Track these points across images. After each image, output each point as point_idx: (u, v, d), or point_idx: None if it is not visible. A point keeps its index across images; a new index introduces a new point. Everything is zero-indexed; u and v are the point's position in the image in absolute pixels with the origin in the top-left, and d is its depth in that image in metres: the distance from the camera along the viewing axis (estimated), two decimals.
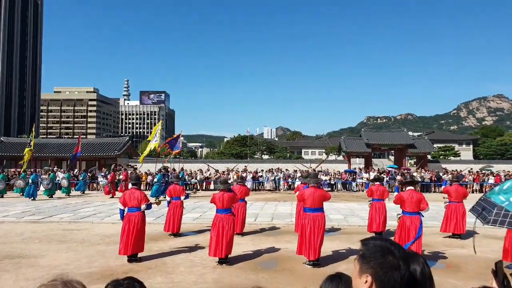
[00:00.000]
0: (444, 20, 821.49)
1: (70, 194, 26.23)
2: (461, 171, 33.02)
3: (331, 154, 69.69)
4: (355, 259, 1.80)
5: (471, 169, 36.27)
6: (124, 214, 8.81)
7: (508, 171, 32.63)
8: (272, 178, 31.76)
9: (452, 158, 61.42)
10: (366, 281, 1.69)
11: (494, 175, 31.60)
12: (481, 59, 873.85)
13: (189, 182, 30.84)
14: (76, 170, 33.76)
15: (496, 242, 9.85)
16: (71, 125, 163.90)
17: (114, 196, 24.01)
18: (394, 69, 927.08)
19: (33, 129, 31.17)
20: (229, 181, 12.00)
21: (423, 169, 34.30)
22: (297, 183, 23.34)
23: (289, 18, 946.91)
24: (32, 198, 22.67)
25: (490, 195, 1.68)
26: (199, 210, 17.26)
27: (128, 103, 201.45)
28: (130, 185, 9.65)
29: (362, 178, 30.97)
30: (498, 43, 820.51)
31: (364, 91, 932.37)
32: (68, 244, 10.50)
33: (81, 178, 29.06)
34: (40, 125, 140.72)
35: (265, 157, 70.49)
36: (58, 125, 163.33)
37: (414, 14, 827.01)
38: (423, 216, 8.80)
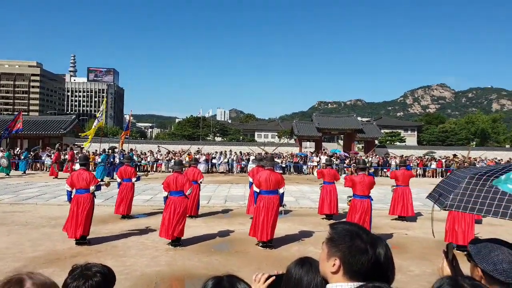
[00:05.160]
0: (395, 11, 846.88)
1: (9, 174, 24.75)
2: (409, 156, 34.52)
3: (283, 137, 70.60)
4: (323, 242, 1.79)
5: (413, 155, 37.94)
6: (72, 196, 8.46)
7: (448, 157, 34.50)
8: (226, 160, 31.66)
9: (397, 143, 63.88)
10: (334, 264, 1.69)
11: (436, 160, 33.44)
12: (426, 49, 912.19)
13: (139, 164, 30.12)
14: (17, 149, 32.00)
15: (436, 223, 10.39)
16: (11, 100, 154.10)
17: (57, 177, 22.98)
18: (345, 56, 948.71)
19: None
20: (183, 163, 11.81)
21: (370, 154, 35.51)
22: (251, 165, 23.43)
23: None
24: None
25: (497, 183, 1.71)
26: (150, 192, 16.93)
27: (74, 80, 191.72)
28: (78, 166, 9.26)
29: (313, 161, 31.61)
30: (443, 35, 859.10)
31: (316, 77, 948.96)
32: (9, 227, 9.94)
33: (22, 158, 27.57)
34: None
35: (218, 139, 70.15)
36: None
37: (365, 3, 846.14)
38: (372, 200, 9.10)
